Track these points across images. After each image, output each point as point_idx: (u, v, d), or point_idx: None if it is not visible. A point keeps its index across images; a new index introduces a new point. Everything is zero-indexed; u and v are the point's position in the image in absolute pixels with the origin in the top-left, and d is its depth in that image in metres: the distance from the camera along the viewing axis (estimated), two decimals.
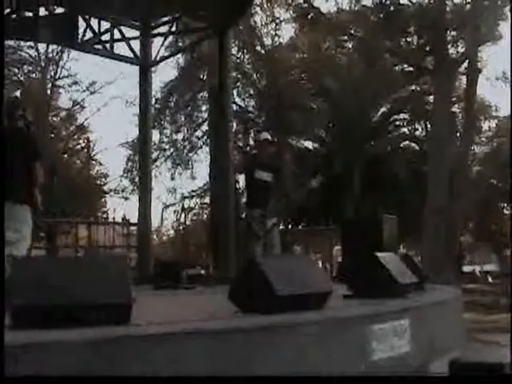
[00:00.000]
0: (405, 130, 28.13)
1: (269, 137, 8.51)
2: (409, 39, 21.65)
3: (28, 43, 23.95)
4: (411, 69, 22.83)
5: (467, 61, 19.09)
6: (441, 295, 6.77)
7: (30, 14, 14.60)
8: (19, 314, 3.69)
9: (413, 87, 26.48)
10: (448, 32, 19.23)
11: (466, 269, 35.26)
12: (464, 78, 21.22)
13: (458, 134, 22.85)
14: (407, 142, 27.39)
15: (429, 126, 24.80)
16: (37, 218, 7.11)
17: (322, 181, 22.51)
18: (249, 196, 8.37)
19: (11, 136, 6.57)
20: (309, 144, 27.73)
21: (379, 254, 6.01)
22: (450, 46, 19.42)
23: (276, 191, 8.03)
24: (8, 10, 14.20)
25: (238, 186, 14.48)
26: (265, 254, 7.74)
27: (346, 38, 24.15)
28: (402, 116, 27.61)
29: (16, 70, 25.72)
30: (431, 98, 22.21)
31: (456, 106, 25.33)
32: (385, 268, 5.79)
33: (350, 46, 25.60)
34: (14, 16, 14.32)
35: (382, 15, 19.63)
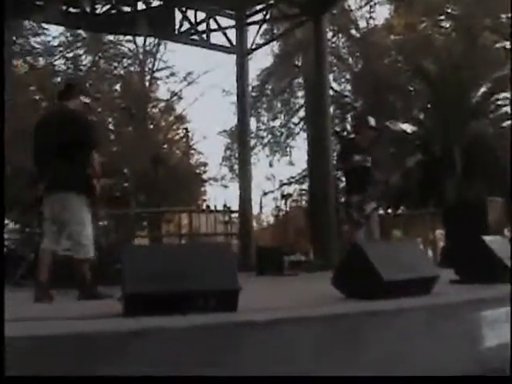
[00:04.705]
0: (507, 109, 27.22)
1: (370, 120, 8.23)
2: (509, 15, 20.91)
3: (126, 37, 24.47)
4: None
5: None
6: None
7: (129, 9, 15.01)
8: (131, 302, 3.81)
9: None
10: None
11: None
12: None
13: None
14: (510, 122, 26.48)
15: None
16: (98, 208, 6.70)
17: (420, 162, 22.21)
18: (347, 181, 8.25)
19: (66, 118, 6.03)
20: (407, 127, 27.24)
21: (486, 238, 5.86)
22: None
23: (374, 175, 7.87)
24: (108, 6, 14.65)
25: (335, 172, 14.30)
26: (365, 239, 7.62)
27: (442, 17, 23.54)
28: (503, 95, 26.72)
29: (116, 64, 26.34)
30: None
31: None
32: (493, 252, 5.63)
33: (448, 25, 24.95)
34: (114, 11, 14.75)
35: None
